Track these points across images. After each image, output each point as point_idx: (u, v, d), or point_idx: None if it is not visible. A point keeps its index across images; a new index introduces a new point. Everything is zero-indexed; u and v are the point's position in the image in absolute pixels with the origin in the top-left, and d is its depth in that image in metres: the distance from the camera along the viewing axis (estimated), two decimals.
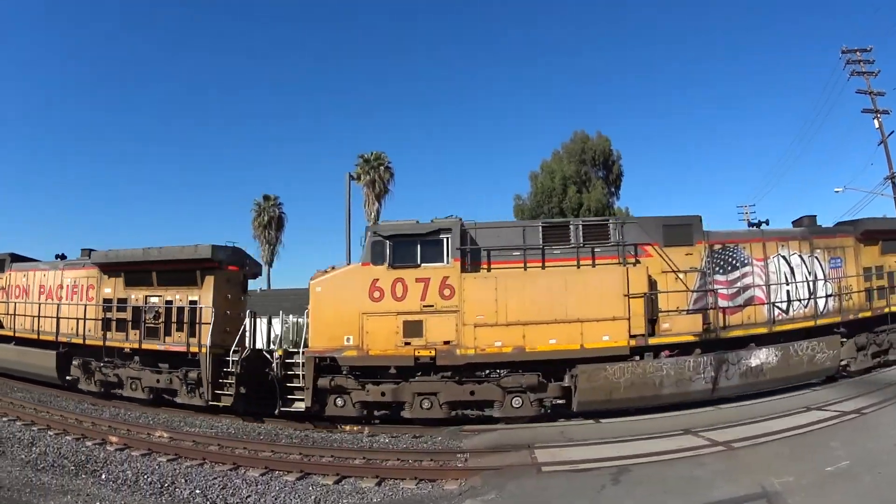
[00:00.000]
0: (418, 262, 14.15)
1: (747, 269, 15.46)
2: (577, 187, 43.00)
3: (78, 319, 17.51)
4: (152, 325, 16.22)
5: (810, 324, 15.24)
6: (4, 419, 14.11)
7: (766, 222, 17.04)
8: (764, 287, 15.33)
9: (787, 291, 15.56)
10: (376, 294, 14.07)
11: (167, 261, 16.44)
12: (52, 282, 18.95)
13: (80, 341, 17.26)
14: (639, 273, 14.00)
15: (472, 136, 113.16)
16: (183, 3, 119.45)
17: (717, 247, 15.34)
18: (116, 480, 9.32)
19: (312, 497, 8.69)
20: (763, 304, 15.24)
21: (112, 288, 17.40)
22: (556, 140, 76.60)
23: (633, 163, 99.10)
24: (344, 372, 14.19)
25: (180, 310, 16.17)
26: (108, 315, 17.16)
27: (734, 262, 15.44)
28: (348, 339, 14.04)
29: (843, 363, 15.58)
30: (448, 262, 14.12)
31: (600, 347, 13.66)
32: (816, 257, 15.95)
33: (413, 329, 13.96)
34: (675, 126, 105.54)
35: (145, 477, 9.31)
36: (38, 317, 18.42)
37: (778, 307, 15.35)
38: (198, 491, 8.75)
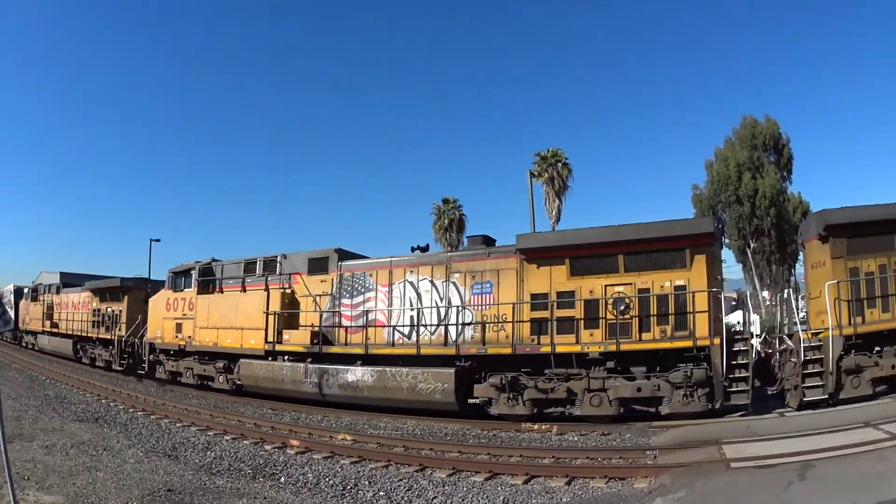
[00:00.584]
0: (182, 288, 21.92)
1: (370, 294, 17.06)
2: (752, 173, 43.53)
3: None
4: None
5: (448, 350, 15.22)
6: (179, 425, 14.27)
7: (426, 248, 17.87)
8: (385, 311, 16.70)
9: (411, 317, 16.09)
10: (167, 307, 22.35)
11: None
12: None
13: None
14: (274, 296, 18.35)
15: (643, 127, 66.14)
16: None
17: (346, 275, 17.67)
18: (296, 483, 9.40)
19: (501, 497, 8.44)
20: (383, 326, 16.62)
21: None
22: (724, 126, 68.67)
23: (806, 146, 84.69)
24: (158, 351, 22.74)
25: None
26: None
27: (359, 287, 17.29)
28: (158, 333, 22.74)
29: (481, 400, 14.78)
30: (191, 288, 21.42)
31: (249, 348, 18.88)
32: (454, 282, 15.77)
33: (178, 328, 21.73)
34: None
35: (327, 480, 9.40)
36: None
37: (399, 331, 16.32)
38: (381, 493, 8.72)
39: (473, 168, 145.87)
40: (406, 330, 16.34)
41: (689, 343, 12.94)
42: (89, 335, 28.37)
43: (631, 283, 13.94)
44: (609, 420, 13.49)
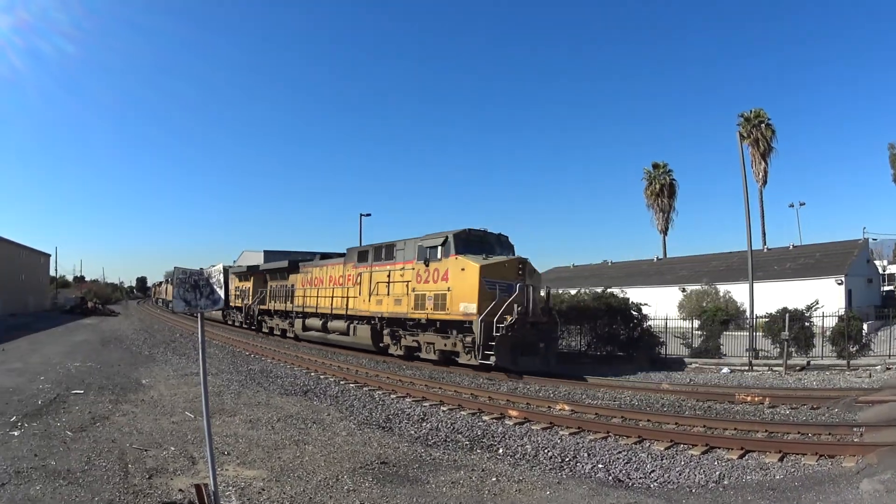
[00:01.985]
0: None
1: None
2: None
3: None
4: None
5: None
6: (393, 396, 14.28)
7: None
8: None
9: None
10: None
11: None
12: None
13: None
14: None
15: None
16: None
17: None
18: (514, 455, 9.17)
19: (717, 473, 8.17)
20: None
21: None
22: None
23: None
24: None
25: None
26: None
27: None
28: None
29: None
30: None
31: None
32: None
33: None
34: None
35: (545, 451, 9.20)
36: None
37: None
38: (600, 465, 8.55)
39: (680, 129, 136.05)
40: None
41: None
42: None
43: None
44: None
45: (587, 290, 26.52)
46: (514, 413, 11.83)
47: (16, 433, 9.74)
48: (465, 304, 18.13)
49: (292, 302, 30.74)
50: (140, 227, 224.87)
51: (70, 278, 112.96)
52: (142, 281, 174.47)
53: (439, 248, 19.52)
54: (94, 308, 63.00)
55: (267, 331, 33.52)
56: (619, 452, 9.08)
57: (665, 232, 57.66)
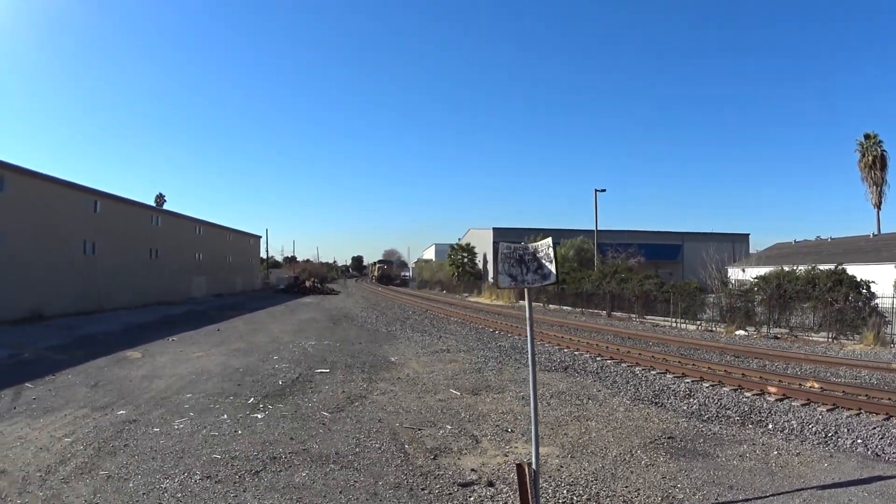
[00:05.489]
0: None
1: None
2: None
3: None
4: None
5: None
6: (653, 372, 14.32)
7: None
8: None
9: None
10: None
11: None
12: None
13: None
14: None
15: None
16: None
17: None
18: (783, 430, 9.30)
19: None
20: None
21: None
22: None
23: None
24: None
25: None
26: None
27: None
28: None
29: None
30: None
31: None
32: None
33: None
34: None
35: (809, 427, 9.33)
36: None
37: None
38: (859, 441, 8.64)
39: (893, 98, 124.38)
40: None
41: None
42: None
43: None
44: None
45: (811, 267, 26.37)
46: (772, 389, 11.83)
47: (259, 416, 9.68)
48: None
49: None
50: (355, 207, 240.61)
51: (279, 259, 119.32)
52: (357, 260, 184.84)
53: None
54: (312, 287, 65.70)
55: None
56: (874, 428, 9.09)
57: (878, 206, 55.31)
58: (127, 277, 41.13)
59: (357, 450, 7.72)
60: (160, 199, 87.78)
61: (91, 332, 23.99)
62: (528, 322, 5.90)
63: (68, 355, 17.27)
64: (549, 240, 5.82)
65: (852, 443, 8.62)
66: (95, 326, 26.60)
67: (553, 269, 5.63)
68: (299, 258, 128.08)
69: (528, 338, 5.87)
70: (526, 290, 5.88)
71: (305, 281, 69.92)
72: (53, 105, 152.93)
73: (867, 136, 53.69)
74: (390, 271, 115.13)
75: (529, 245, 5.82)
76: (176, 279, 50.80)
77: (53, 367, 15.10)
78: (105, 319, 30.48)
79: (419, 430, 8.75)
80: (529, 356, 5.83)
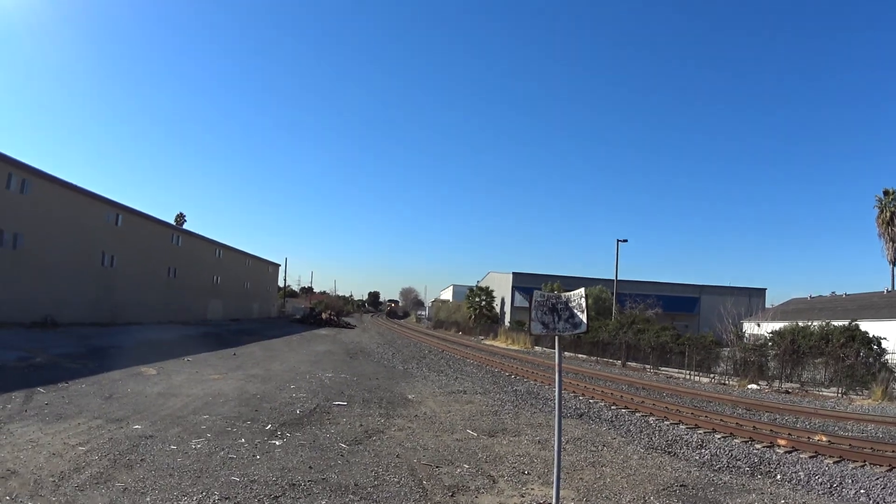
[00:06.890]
0: None
1: None
2: None
3: None
4: None
5: None
6: (667, 423, 14.71)
7: None
8: None
9: None
10: None
11: None
12: None
13: None
14: None
15: None
16: None
17: None
18: (791, 481, 9.67)
19: None
20: None
21: None
22: None
23: None
24: None
25: None
26: None
27: None
28: None
29: None
30: None
31: None
32: None
33: None
34: None
35: (816, 478, 9.69)
36: None
37: None
38: (862, 490, 9.07)
39: None
40: None
41: None
42: None
43: None
44: None
45: (825, 323, 26.97)
46: (783, 442, 12.31)
47: (277, 442, 9.80)
48: None
49: None
50: (373, 244, 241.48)
51: (296, 288, 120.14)
52: (374, 295, 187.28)
53: None
54: (328, 319, 65.47)
55: None
56: (877, 479, 9.62)
57: (894, 263, 55.56)
58: (143, 293, 41.36)
59: (376, 482, 7.85)
60: (180, 218, 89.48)
61: (105, 344, 24.10)
62: (556, 368, 6.30)
63: (81, 364, 17.49)
64: (582, 290, 6.12)
65: (856, 492, 9.10)
66: (109, 338, 26.67)
67: (584, 319, 5.95)
68: (316, 289, 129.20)
69: (556, 382, 6.32)
70: (556, 337, 6.14)
71: (322, 313, 69.99)
72: (90, 115, 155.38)
73: (886, 193, 54.09)
74: (397, 309, 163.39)
75: (562, 294, 6.08)
76: (192, 300, 51.08)
77: (66, 375, 15.30)
78: (119, 333, 30.48)
79: (437, 467, 8.96)
80: (556, 400, 6.32)
